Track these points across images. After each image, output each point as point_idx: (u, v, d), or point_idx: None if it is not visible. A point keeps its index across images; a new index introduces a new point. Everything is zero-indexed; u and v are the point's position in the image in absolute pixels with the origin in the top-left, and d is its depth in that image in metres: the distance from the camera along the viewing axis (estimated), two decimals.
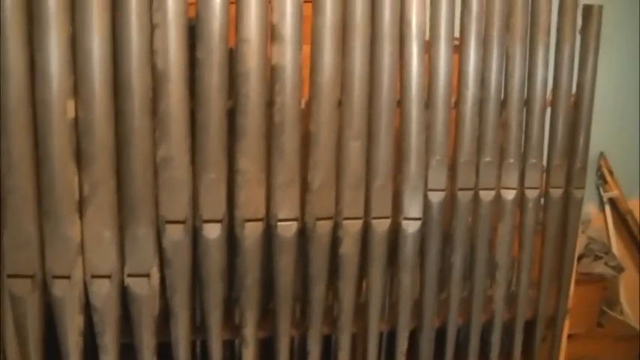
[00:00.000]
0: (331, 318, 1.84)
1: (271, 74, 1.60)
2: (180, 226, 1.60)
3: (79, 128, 1.52)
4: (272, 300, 1.76)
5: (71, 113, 1.51)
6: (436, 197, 1.76)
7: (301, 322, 1.84)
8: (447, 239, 1.84)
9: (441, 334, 1.93)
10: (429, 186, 1.76)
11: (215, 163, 1.60)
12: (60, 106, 1.49)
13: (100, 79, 1.50)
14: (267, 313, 1.80)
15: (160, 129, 1.56)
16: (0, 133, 1.49)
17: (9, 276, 1.59)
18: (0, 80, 1.46)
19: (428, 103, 1.73)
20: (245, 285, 1.69)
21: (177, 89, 1.54)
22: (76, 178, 1.55)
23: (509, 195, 1.86)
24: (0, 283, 1.61)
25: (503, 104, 1.83)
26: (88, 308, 1.63)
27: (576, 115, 1.93)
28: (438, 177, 1.76)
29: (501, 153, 1.85)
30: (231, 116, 1.61)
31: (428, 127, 1.74)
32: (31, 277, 1.59)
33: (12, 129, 1.49)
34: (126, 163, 1.56)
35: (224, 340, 1.77)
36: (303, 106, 1.65)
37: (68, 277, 1.59)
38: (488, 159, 1.80)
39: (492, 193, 1.83)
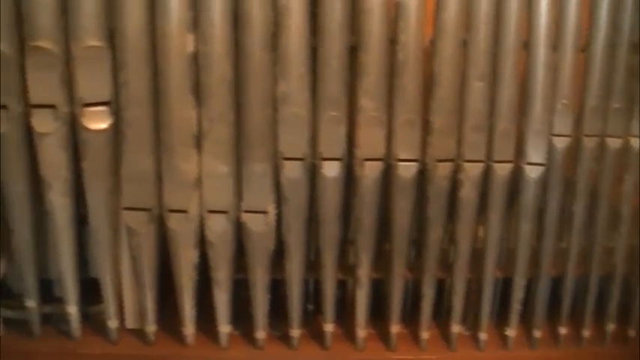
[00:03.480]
0: (446, 262, 1.81)
1: (395, 11, 1.55)
2: (298, 164, 1.59)
3: (198, 62, 1.51)
4: (387, 241, 1.73)
5: (190, 47, 1.50)
6: (561, 143, 1.69)
7: (416, 265, 1.81)
8: (570, 187, 1.77)
9: (557, 285, 1.87)
10: (554, 131, 1.69)
11: (336, 101, 1.57)
12: (179, 40, 1.49)
13: (220, 12, 1.48)
14: (381, 255, 1.77)
15: (280, 64, 1.53)
16: (119, 67, 1.49)
17: (126, 208, 1.61)
18: (120, 14, 1.46)
19: (556, 45, 1.65)
20: (362, 225, 1.67)
21: (298, 25, 1.51)
22: (195, 113, 1.55)
23: (638, 144, 1.77)
24: (117, 215, 1.63)
25: (635, 48, 1.73)
26: (202, 243, 1.64)
27: None
28: (564, 122, 1.68)
29: (631, 99, 1.75)
30: (353, 53, 1.57)
31: (555, 69, 1.66)
32: (148, 210, 1.60)
33: (131, 63, 1.50)
34: (245, 98, 1.54)
35: (337, 280, 1.75)
36: (426, 44, 1.59)
37: (185, 212, 1.60)
38: (617, 105, 1.72)
39: (620, 141, 1.75)
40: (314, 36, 1.54)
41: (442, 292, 1.86)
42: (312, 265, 1.78)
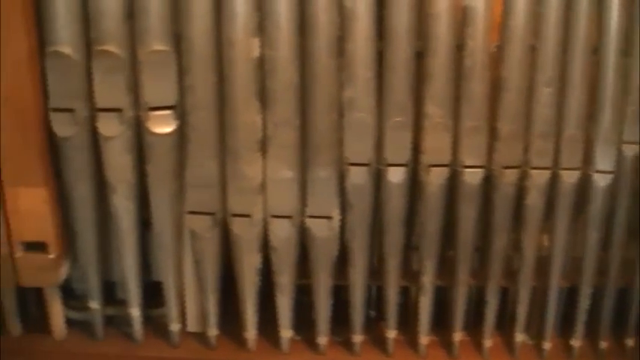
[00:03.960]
0: (510, 270, 1.78)
1: (462, 16, 1.53)
2: (363, 169, 1.58)
3: (263, 67, 1.51)
4: (451, 248, 1.72)
5: (256, 52, 1.50)
6: (630, 150, 1.65)
7: (480, 272, 1.78)
8: (638, 195, 1.73)
9: (623, 294, 1.84)
10: (624, 138, 1.65)
11: (401, 106, 1.55)
12: (245, 45, 1.49)
13: (286, 17, 1.47)
14: (445, 261, 1.75)
15: (346, 70, 1.52)
16: (185, 71, 1.50)
17: (190, 212, 1.61)
18: (186, 18, 1.47)
19: (627, 50, 1.62)
20: (426, 232, 1.65)
21: (365, 29, 1.50)
22: (259, 118, 1.54)
23: None
24: (180, 219, 1.63)
25: None
26: (266, 247, 1.64)
27: None
28: (634, 129, 1.64)
29: None
30: (419, 59, 1.55)
31: (626, 75, 1.62)
32: (212, 214, 1.60)
33: (196, 67, 1.50)
34: (310, 103, 1.54)
35: (400, 287, 1.74)
36: (493, 49, 1.57)
37: (248, 216, 1.60)
38: None
39: None
40: (380, 40, 1.52)
41: (506, 300, 1.83)
42: (376, 270, 1.76)
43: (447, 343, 1.81)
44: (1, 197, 1.64)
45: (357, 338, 1.77)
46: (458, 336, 1.79)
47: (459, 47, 1.55)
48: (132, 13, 1.49)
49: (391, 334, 1.77)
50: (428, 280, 1.71)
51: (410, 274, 1.78)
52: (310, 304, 1.74)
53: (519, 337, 1.80)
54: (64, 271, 1.73)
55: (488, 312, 1.77)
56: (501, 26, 1.56)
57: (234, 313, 1.76)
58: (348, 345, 1.79)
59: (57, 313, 1.82)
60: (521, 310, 1.78)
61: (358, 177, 1.58)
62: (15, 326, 1.85)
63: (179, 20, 1.49)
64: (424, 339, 1.78)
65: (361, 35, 1.50)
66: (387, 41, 1.52)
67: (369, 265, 1.71)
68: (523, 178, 1.64)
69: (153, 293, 1.79)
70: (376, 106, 1.55)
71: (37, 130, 1.58)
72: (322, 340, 1.76)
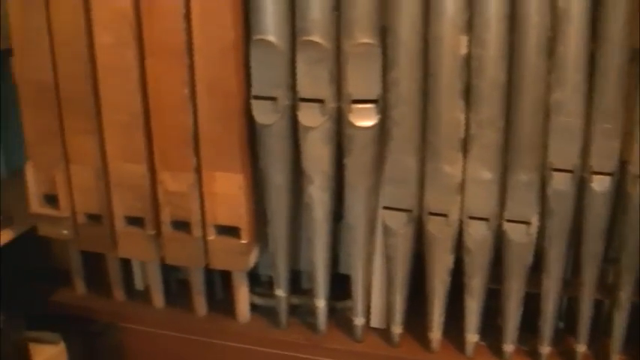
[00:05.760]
0: None
1: None
2: (567, 176, 1.52)
3: (470, 65, 1.48)
4: None
5: (463, 49, 1.47)
6: None
7: None
8: None
9: None
10: None
11: (611, 112, 1.48)
12: (452, 42, 1.46)
13: (497, 15, 1.44)
14: None
15: (556, 72, 1.47)
16: (390, 65, 1.49)
17: (385, 208, 1.60)
18: (394, 12, 1.46)
19: None
20: (627, 245, 1.58)
21: (578, 31, 1.44)
22: (463, 116, 1.51)
23: None
24: (374, 213, 1.63)
25: None
26: (459, 248, 1.61)
27: None
28: None
29: None
30: (633, 62, 1.48)
31: None
32: (408, 211, 1.59)
33: (402, 62, 1.49)
34: (516, 104, 1.49)
35: (594, 300, 1.68)
36: None
37: (445, 216, 1.58)
38: None
39: None
40: (592, 42, 1.46)
41: None
42: (569, 281, 1.70)
43: None
44: (198, 180, 1.68)
45: (545, 349, 1.72)
46: None
47: None
48: (338, 5, 1.50)
49: (581, 348, 1.71)
50: (625, 295, 1.63)
51: (605, 288, 1.71)
52: (498, 310, 1.70)
53: None
54: (253, 257, 1.77)
55: None
56: None
57: (419, 311, 1.74)
58: (534, 355, 1.74)
59: (243, 297, 1.86)
60: None
61: (561, 183, 1.52)
62: (201, 307, 1.90)
63: (386, 14, 1.49)
64: (615, 357, 1.70)
65: (574, 37, 1.44)
66: (600, 43, 1.45)
67: (564, 275, 1.65)
68: None
69: (339, 285, 1.79)
70: (585, 110, 1.49)
71: (239, 117, 1.61)
72: (508, 347, 1.72)
